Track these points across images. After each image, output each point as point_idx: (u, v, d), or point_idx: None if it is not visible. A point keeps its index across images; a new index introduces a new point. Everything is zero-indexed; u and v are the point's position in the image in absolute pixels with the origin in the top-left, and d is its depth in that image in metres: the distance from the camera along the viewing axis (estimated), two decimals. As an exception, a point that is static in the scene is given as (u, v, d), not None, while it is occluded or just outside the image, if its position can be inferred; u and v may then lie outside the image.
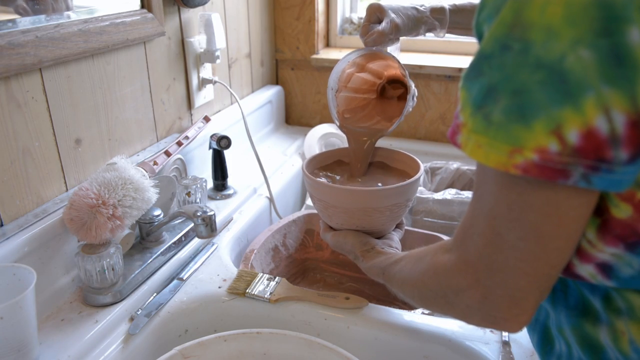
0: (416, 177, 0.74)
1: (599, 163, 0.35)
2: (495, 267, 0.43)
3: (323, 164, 0.86)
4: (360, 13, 1.50)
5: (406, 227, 0.95)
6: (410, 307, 0.89)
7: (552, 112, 0.36)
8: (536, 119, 0.36)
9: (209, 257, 0.86)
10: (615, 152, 0.35)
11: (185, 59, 1.02)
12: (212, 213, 0.77)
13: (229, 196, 1.05)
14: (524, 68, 0.37)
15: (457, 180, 1.16)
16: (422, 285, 0.53)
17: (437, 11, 0.84)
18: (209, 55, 1.04)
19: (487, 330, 0.69)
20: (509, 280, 0.43)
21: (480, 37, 0.42)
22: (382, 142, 0.85)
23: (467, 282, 0.46)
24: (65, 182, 0.77)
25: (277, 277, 0.78)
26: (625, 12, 0.33)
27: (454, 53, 1.37)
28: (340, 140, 1.32)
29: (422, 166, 0.78)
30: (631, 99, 0.34)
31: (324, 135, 1.32)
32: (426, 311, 0.76)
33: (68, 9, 0.75)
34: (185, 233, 0.87)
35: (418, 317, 0.72)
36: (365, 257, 0.70)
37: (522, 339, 0.68)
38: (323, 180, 0.79)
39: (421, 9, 0.83)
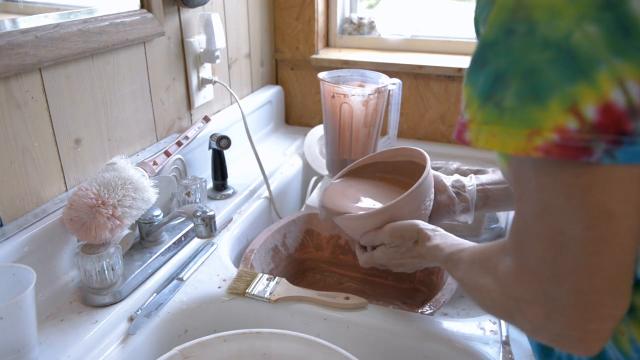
0: (426, 171, 0.73)
1: (620, 136, 0.35)
2: (563, 271, 0.39)
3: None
4: (360, 13, 1.50)
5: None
6: (409, 308, 0.89)
7: (566, 90, 0.35)
8: (551, 98, 0.36)
9: (208, 257, 0.86)
10: (636, 124, 0.34)
11: (185, 59, 1.02)
12: (211, 213, 0.76)
13: (228, 196, 1.05)
14: (533, 48, 0.36)
15: (457, 180, 1.16)
16: (485, 294, 0.49)
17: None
18: (209, 55, 1.04)
19: (487, 330, 0.69)
20: (583, 283, 0.38)
21: (479, 32, 0.42)
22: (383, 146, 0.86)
23: (530, 295, 0.42)
24: (65, 182, 0.77)
25: (276, 277, 0.78)
26: None
27: (454, 53, 1.37)
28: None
29: (428, 156, 0.77)
30: None
31: (323, 136, 1.32)
32: (426, 311, 0.76)
33: None
34: (185, 233, 0.87)
35: (418, 317, 0.72)
36: (431, 237, 0.65)
37: (522, 339, 0.68)
38: (344, 213, 0.77)
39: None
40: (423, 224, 0.68)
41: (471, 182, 0.79)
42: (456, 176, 0.81)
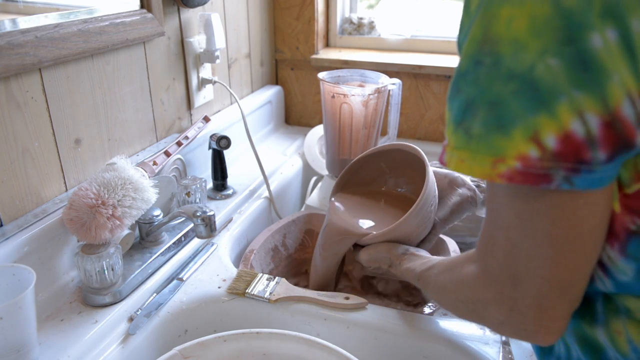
0: (428, 180, 0.73)
1: (578, 165, 0.36)
2: (517, 278, 0.43)
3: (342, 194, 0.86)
4: (360, 13, 1.50)
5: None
6: (409, 308, 0.89)
7: (528, 120, 0.37)
8: (514, 128, 0.37)
9: (208, 257, 0.86)
10: (593, 153, 0.36)
11: (185, 59, 1.02)
12: (211, 213, 0.77)
13: (228, 196, 1.05)
14: (497, 80, 0.38)
15: (457, 180, 1.16)
16: (453, 297, 0.53)
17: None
18: (209, 55, 1.04)
19: (487, 330, 0.69)
20: (532, 290, 0.43)
21: None
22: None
23: (492, 296, 0.46)
24: (65, 182, 0.77)
25: (276, 277, 0.78)
26: (585, 20, 0.34)
27: (454, 53, 1.37)
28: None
29: (426, 158, 0.77)
30: (602, 101, 0.35)
31: (323, 136, 1.32)
32: (426, 311, 0.76)
33: None
34: (184, 233, 0.87)
35: (418, 317, 0.72)
36: (402, 260, 0.70)
37: (522, 338, 0.68)
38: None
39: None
40: (395, 249, 0.71)
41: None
42: None
